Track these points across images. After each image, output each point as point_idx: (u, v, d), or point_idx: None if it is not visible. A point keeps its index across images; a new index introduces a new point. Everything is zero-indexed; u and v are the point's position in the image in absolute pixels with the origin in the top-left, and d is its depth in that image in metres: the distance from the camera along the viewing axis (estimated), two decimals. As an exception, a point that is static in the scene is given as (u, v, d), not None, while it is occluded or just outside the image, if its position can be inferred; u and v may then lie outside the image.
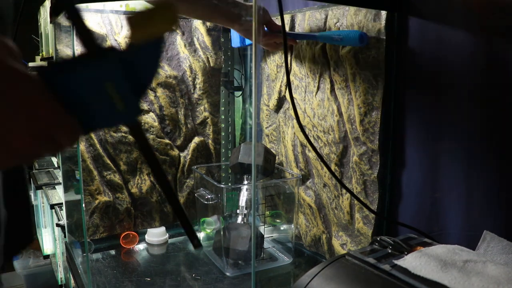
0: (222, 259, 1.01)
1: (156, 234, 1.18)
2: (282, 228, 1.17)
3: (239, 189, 1.06)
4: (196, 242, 0.40)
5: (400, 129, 0.85)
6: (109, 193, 1.14)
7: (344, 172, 0.95)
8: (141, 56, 0.35)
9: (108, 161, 1.13)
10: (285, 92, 1.12)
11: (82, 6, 1.03)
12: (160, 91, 1.16)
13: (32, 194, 1.97)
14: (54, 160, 2.14)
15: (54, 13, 0.90)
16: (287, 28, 1.04)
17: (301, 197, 1.08)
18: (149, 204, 1.20)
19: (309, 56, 1.00)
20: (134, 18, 0.34)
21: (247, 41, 1.11)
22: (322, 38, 0.88)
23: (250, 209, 1.03)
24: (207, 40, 1.22)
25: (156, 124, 1.17)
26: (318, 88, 0.98)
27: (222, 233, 1.02)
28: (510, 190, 0.67)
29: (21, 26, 0.79)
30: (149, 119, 1.16)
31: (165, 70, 1.17)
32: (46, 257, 2.16)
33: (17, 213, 0.52)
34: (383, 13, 0.80)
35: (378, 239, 0.67)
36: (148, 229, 1.20)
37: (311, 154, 1.04)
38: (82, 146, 1.09)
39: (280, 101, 1.14)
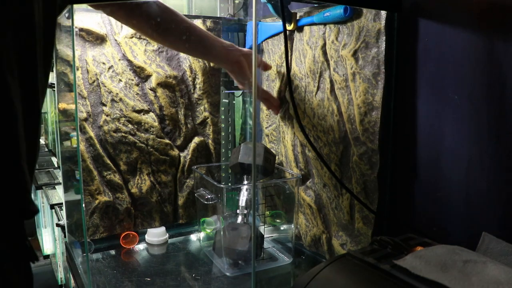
0: (222, 259, 1.01)
1: (156, 234, 1.18)
2: (282, 228, 1.17)
3: (239, 189, 1.06)
4: None
5: (400, 129, 0.85)
6: (109, 193, 1.14)
7: (344, 172, 0.95)
8: None
9: (108, 161, 1.13)
10: (285, 92, 1.12)
11: (82, 6, 1.03)
12: (160, 91, 1.16)
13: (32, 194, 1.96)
14: (54, 160, 2.14)
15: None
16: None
17: (301, 197, 1.08)
18: (149, 204, 1.20)
19: (309, 56, 1.00)
20: None
21: (261, 39, 1.18)
22: (318, 19, 0.95)
23: (250, 209, 1.03)
24: (207, 40, 1.22)
25: (156, 124, 1.17)
26: (318, 88, 0.98)
27: (222, 233, 1.02)
28: (509, 191, 0.67)
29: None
30: (149, 119, 1.16)
31: (165, 70, 1.17)
32: (46, 257, 2.16)
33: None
34: (383, 13, 0.80)
35: (378, 239, 0.67)
36: (148, 229, 1.20)
37: (311, 154, 1.04)
38: (82, 146, 1.09)
39: (280, 101, 1.14)
